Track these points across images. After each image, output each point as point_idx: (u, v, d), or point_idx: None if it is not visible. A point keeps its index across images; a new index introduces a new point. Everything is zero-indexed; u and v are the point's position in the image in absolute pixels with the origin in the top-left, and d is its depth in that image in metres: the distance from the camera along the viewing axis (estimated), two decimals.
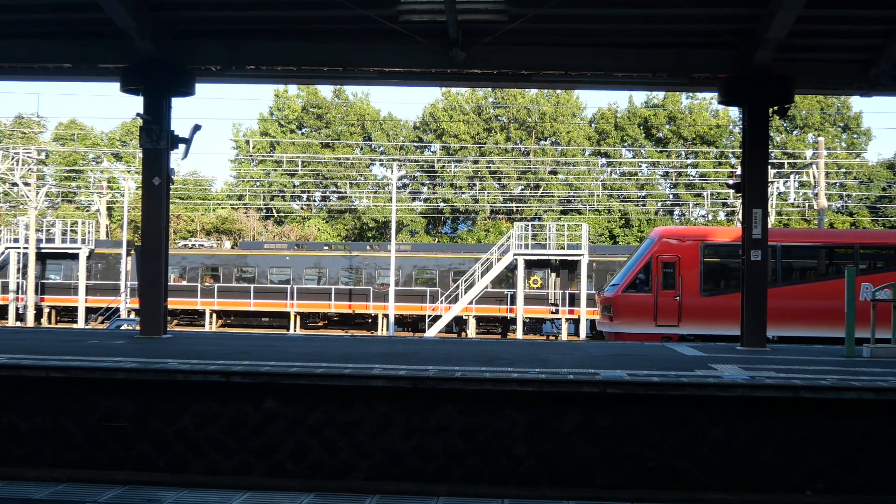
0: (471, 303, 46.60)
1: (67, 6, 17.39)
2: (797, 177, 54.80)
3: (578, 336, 45.67)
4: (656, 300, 27.27)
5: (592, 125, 77.23)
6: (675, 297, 27.16)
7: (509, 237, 47.89)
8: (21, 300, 52.37)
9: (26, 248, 51.80)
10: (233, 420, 11.97)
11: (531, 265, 48.40)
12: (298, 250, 53.70)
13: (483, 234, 71.63)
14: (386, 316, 49.55)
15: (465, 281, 47.72)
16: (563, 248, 47.88)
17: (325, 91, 78.72)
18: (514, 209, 73.98)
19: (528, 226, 50.27)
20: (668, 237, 28.46)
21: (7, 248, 54.12)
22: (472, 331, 49.23)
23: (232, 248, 59.43)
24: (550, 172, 74.59)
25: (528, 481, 11.55)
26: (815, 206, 47.37)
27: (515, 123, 75.81)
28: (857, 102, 74.00)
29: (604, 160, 76.77)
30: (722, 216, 71.59)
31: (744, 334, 17.98)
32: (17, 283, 53.05)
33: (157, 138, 18.02)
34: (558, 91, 72.07)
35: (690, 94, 71.99)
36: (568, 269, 48.66)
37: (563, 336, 46.84)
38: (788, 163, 61.22)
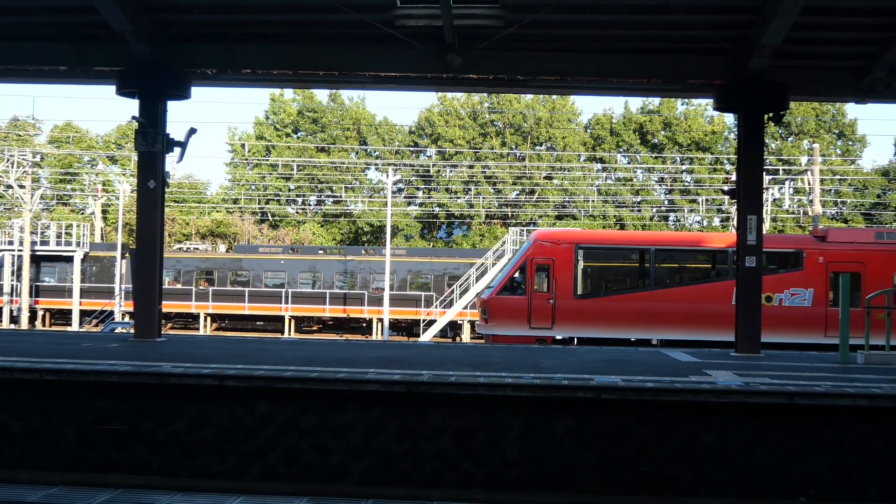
0: (465, 307, 46.59)
1: (63, 9, 17.40)
2: (792, 183, 54.89)
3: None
4: (530, 303, 27.27)
5: (588, 130, 77.28)
6: (549, 300, 27.19)
7: (504, 242, 47.89)
8: (15, 303, 52.26)
9: (21, 250, 51.71)
10: (226, 423, 11.96)
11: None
12: (293, 254, 53.69)
13: (478, 239, 71.62)
14: (380, 320, 49.56)
15: (460, 286, 47.73)
16: None
17: (321, 95, 78.81)
18: (510, 214, 74.01)
19: (523, 231, 50.26)
20: (543, 240, 28.44)
21: (1, 250, 54.01)
22: (466, 335, 49.21)
23: (227, 251, 59.36)
24: (546, 177, 74.61)
25: (520, 486, 11.54)
26: (810, 213, 47.47)
27: (511, 128, 75.84)
28: (851, 109, 74.10)
29: (599, 166, 76.81)
30: (717, 222, 71.65)
31: (738, 340, 17.98)
32: (12, 285, 52.95)
33: (152, 141, 18.01)
34: (554, 96, 72.10)
35: (686, 100, 72.07)
36: None
37: None
38: (783, 169, 61.30)
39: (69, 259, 53.07)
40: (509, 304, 27.59)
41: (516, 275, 27.72)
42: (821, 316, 26.52)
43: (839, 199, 70.92)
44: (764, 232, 18.28)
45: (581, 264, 27.83)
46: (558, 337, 26.97)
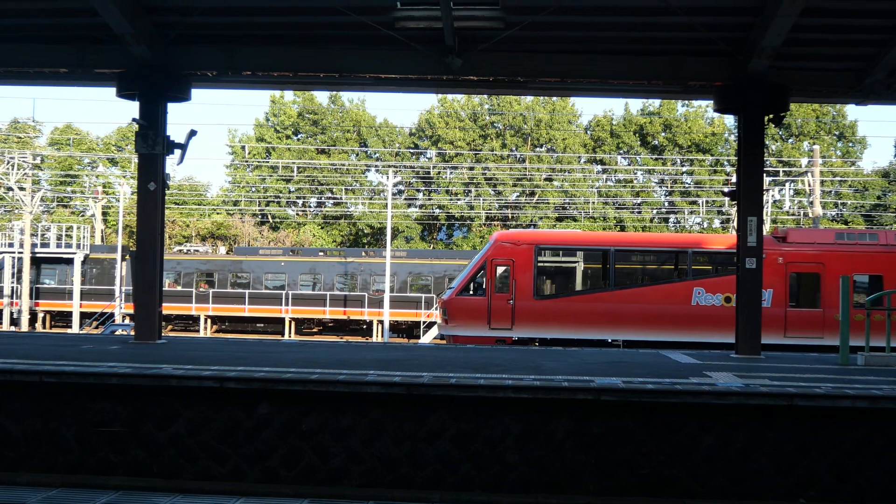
0: None
1: (63, 11, 17.40)
2: (792, 185, 54.89)
3: None
4: (490, 303, 27.32)
5: (588, 132, 77.30)
6: (509, 301, 27.23)
7: None
8: (15, 305, 52.26)
9: (21, 252, 51.71)
10: (226, 426, 11.96)
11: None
12: (293, 256, 53.69)
13: (478, 241, 71.61)
14: (381, 322, 49.54)
15: None
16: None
17: (322, 97, 78.89)
18: (510, 216, 74.01)
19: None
20: (504, 241, 28.51)
21: (2, 252, 54.02)
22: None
23: (227, 253, 59.38)
24: (546, 179, 74.63)
25: (520, 488, 11.54)
26: (811, 215, 47.46)
27: (511, 130, 75.86)
28: (852, 111, 74.13)
29: (599, 167, 76.83)
30: (717, 224, 71.68)
31: (738, 342, 17.98)
32: (12, 287, 52.95)
33: (152, 143, 18.02)
34: (554, 98, 72.13)
35: (686, 101, 72.11)
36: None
37: None
38: (784, 171, 61.30)
39: (69, 261, 53.07)
40: (469, 304, 27.68)
41: (476, 276, 27.81)
42: (780, 317, 26.59)
43: (839, 201, 70.91)
44: (763, 233, 18.26)
45: (540, 265, 27.90)
46: (518, 337, 27.05)
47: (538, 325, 27.08)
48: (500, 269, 27.58)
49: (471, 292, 27.80)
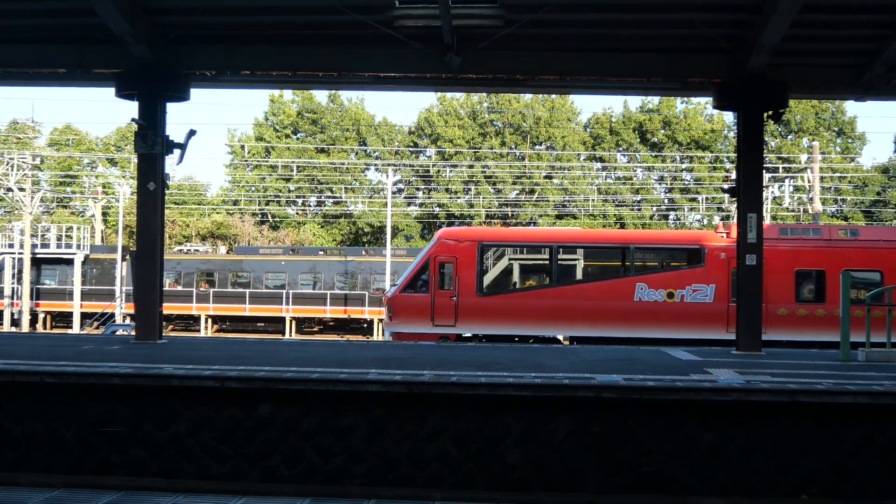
0: None
1: (62, 11, 17.39)
2: (792, 181, 54.93)
3: None
4: (433, 300, 27.39)
5: (587, 130, 77.27)
6: (452, 298, 27.29)
7: None
8: (16, 305, 52.26)
9: (21, 253, 51.70)
10: (227, 425, 11.95)
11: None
12: (294, 255, 53.67)
13: None
14: (381, 320, 49.48)
15: None
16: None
17: (321, 96, 78.83)
18: (510, 214, 74.00)
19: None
20: (447, 238, 28.58)
21: (2, 253, 54.02)
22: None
23: (227, 253, 59.36)
24: (545, 177, 74.60)
25: (522, 486, 11.54)
26: (810, 211, 47.48)
27: (510, 128, 75.82)
28: (851, 107, 74.13)
29: (599, 165, 76.81)
30: (717, 220, 71.61)
31: (739, 339, 17.98)
32: (13, 288, 52.95)
33: (152, 143, 18.01)
34: (553, 96, 72.09)
35: (685, 98, 72.06)
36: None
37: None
38: (783, 167, 61.31)
39: (70, 262, 53.06)
40: (413, 301, 27.74)
41: (420, 273, 27.96)
42: (722, 312, 26.63)
43: (839, 197, 70.89)
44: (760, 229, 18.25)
45: (483, 262, 28.01)
46: (461, 334, 27.17)
47: (481, 322, 27.18)
48: (443, 266, 27.69)
49: (414, 289, 27.93)
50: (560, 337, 27.38)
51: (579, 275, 29.71)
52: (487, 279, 28.37)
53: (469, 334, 27.06)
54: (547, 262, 28.57)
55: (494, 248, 29.09)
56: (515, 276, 30.14)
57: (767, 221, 46.90)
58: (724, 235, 28.01)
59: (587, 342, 25.20)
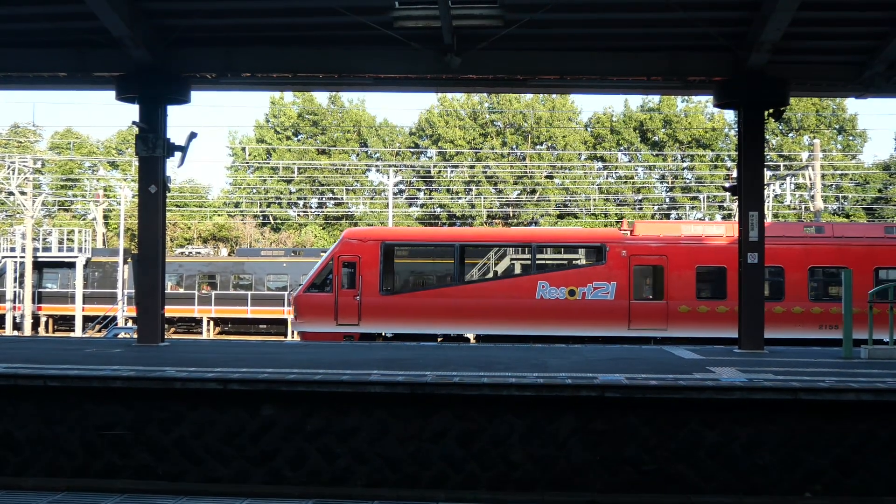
0: None
1: (62, 15, 17.40)
2: (793, 179, 54.90)
3: None
4: (337, 300, 27.59)
5: (588, 129, 77.25)
6: (356, 297, 27.51)
7: None
8: (18, 309, 52.27)
9: (23, 257, 51.72)
10: (231, 427, 11.96)
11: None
12: (295, 257, 53.62)
13: None
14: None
15: None
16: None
17: (321, 98, 78.83)
18: (511, 214, 73.99)
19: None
20: (351, 238, 28.85)
21: (4, 257, 54.04)
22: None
23: (229, 255, 59.32)
24: (546, 177, 74.59)
25: (526, 486, 11.54)
26: (812, 209, 47.46)
27: (511, 128, 75.82)
28: (852, 104, 74.06)
29: (600, 164, 76.78)
30: (718, 219, 71.60)
31: (741, 337, 17.98)
32: (14, 292, 52.96)
33: (152, 146, 18.03)
34: (553, 96, 72.10)
35: (686, 97, 72.06)
36: None
37: None
38: (784, 165, 61.30)
39: (71, 265, 53.04)
40: (317, 301, 27.94)
41: (324, 272, 28.20)
42: (624, 309, 26.91)
43: (840, 195, 70.85)
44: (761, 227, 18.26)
45: (387, 261, 28.22)
46: (365, 333, 27.38)
47: (385, 321, 27.40)
48: (346, 266, 27.92)
49: (319, 289, 28.12)
50: (470, 336, 27.62)
51: (482, 273, 30.09)
52: (390, 278, 28.59)
53: (372, 333, 27.32)
54: (450, 261, 28.76)
55: (398, 247, 29.36)
56: (418, 276, 30.58)
57: (769, 219, 46.95)
58: (628, 233, 28.25)
59: (492, 340, 25.51)
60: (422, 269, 30.72)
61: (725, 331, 25.43)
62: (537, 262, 28.55)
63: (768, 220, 45.07)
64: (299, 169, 73.16)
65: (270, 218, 76.81)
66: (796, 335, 25.31)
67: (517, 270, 29.26)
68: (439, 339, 27.05)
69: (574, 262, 29.00)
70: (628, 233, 28.38)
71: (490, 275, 30.02)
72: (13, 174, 52.47)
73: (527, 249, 28.89)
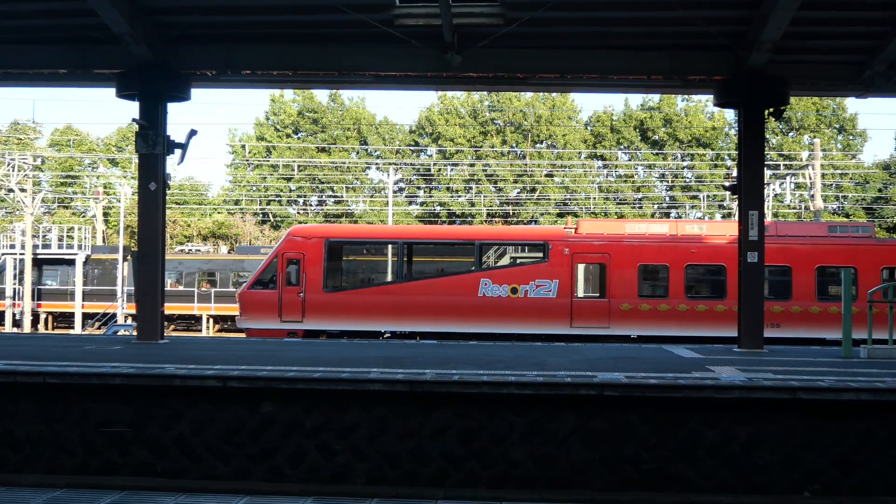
0: None
1: (62, 12, 17.40)
2: (793, 178, 54.89)
3: None
4: (280, 296, 27.73)
5: (588, 128, 77.26)
6: (299, 294, 27.65)
7: None
8: (18, 306, 52.27)
9: (23, 254, 51.72)
10: (230, 425, 11.96)
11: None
12: None
13: None
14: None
15: None
16: None
17: (321, 95, 78.82)
18: (511, 212, 73.99)
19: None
20: (295, 235, 29.00)
21: (4, 254, 54.03)
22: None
23: (228, 253, 59.33)
24: (546, 175, 74.60)
25: (525, 484, 11.54)
26: (812, 208, 47.46)
27: (511, 127, 75.82)
28: (852, 104, 74.07)
29: (600, 163, 76.80)
30: (718, 218, 71.59)
31: (741, 336, 17.98)
32: (14, 289, 52.96)
33: (153, 143, 18.02)
34: (554, 94, 72.10)
35: (686, 96, 72.06)
36: None
37: None
38: (784, 164, 61.28)
39: (71, 262, 53.05)
40: (261, 297, 28.11)
41: (269, 269, 28.35)
42: (566, 307, 27.06)
43: (840, 194, 70.86)
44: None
45: (331, 259, 28.36)
46: (309, 330, 27.50)
47: (329, 318, 27.56)
48: (290, 263, 28.06)
49: (263, 286, 28.25)
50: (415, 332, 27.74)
51: (425, 271, 30.23)
52: (334, 276, 28.72)
53: (316, 330, 27.45)
54: (394, 258, 29.02)
55: (342, 245, 29.49)
56: (363, 273, 30.86)
57: (769, 219, 46.93)
58: (573, 231, 28.33)
59: (435, 337, 25.57)
60: (366, 267, 30.99)
61: (667, 329, 26.07)
62: (482, 260, 28.67)
63: (768, 219, 45.11)
64: (299, 167, 73.19)
65: (270, 216, 76.81)
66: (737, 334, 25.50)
67: (460, 268, 29.33)
68: (386, 336, 27.13)
69: (518, 260, 29.24)
70: (573, 231, 28.47)
71: (433, 272, 30.14)
72: (13, 171, 52.47)
73: (469, 247, 28.89)
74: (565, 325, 26.75)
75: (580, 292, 27.72)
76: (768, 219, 44.32)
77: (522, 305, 27.22)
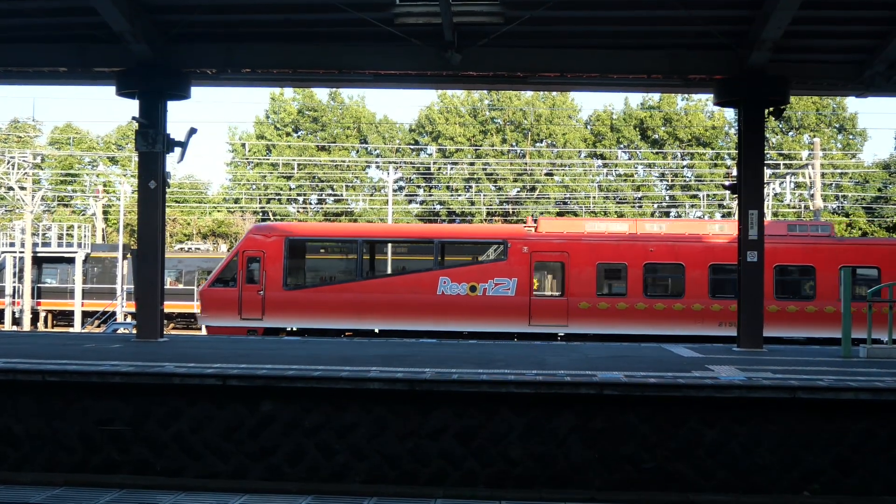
0: None
1: (62, 10, 17.40)
2: (793, 178, 54.88)
3: None
4: (240, 294, 27.78)
5: (588, 127, 77.24)
6: (259, 292, 27.72)
7: None
8: (17, 304, 52.24)
9: (22, 252, 51.70)
10: (229, 423, 11.96)
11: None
12: None
13: None
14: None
15: None
16: None
17: (321, 94, 78.75)
18: (510, 211, 73.96)
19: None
20: (255, 233, 29.16)
21: (3, 252, 54.01)
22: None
23: (228, 251, 59.28)
24: (546, 174, 74.56)
25: (524, 483, 11.54)
26: (811, 208, 47.46)
27: (511, 125, 75.80)
28: (852, 103, 74.04)
29: (600, 162, 76.77)
30: (718, 217, 71.57)
31: (740, 335, 17.98)
32: (14, 287, 52.94)
33: (152, 142, 18.02)
34: (554, 93, 72.08)
35: (686, 95, 72.04)
36: None
37: None
38: (784, 164, 61.27)
39: (71, 260, 52.99)
40: (221, 295, 28.14)
41: (229, 267, 28.45)
42: (524, 305, 27.21)
43: (840, 194, 70.86)
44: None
45: (291, 257, 28.46)
46: (269, 327, 27.57)
47: (289, 315, 27.67)
48: (251, 261, 28.12)
49: (224, 283, 28.32)
50: (376, 330, 27.79)
51: (385, 269, 30.39)
52: (294, 274, 28.82)
53: (276, 327, 27.53)
54: (353, 256, 29.07)
55: (303, 243, 29.64)
56: (323, 271, 30.78)
57: (769, 218, 46.95)
58: (533, 230, 28.39)
59: (394, 335, 25.63)
60: (326, 265, 31.02)
61: (625, 328, 26.25)
62: (441, 258, 28.75)
63: (768, 218, 45.09)
64: (299, 165, 73.15)
65: (270, 214, 76.76)
66: (696, 332, 25.89)
67: (420, 266, 29.40)
68: (347, 334, 27.17)
69: (477, 258, 29.32)
70: (533, 230, 28.54)
71: (393, 270, 30.34)
72: (13, 169, 52.44)
73: (429, 245, 29.00)
74: (524, 324, 26.92)
75: (539, 291, 27.85)
76: (768, 218, 44.36)
77: (481, 304, 27.36)
